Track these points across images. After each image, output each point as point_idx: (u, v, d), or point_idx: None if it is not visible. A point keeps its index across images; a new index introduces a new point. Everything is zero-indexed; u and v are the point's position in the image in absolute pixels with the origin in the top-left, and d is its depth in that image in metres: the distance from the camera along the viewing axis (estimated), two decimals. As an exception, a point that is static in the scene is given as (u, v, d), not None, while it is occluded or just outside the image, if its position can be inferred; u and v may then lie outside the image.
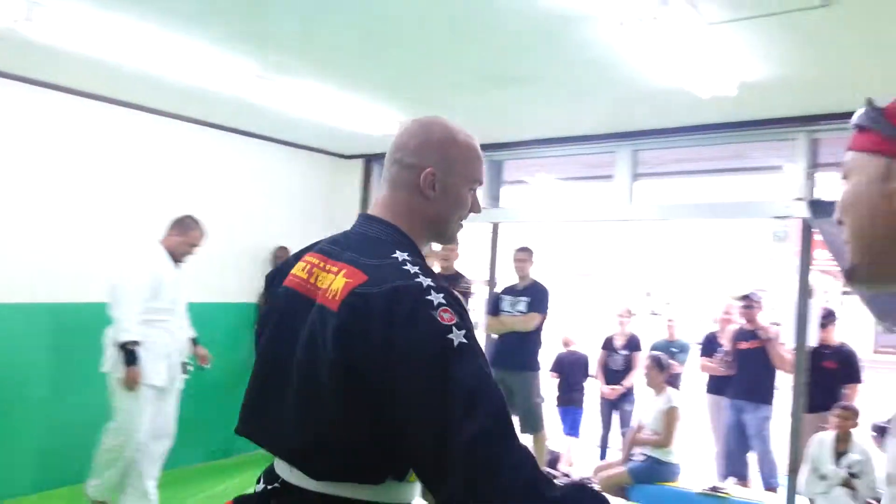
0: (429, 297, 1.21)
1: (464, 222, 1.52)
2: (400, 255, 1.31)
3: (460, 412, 1.10)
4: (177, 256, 4.19)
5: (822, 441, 4.55)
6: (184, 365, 4.26)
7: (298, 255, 1.48)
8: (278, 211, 6.08)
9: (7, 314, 4.35)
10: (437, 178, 1.42)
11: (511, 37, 3.39)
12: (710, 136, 5.02)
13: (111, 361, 3.92)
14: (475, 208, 1.51)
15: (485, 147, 5.65)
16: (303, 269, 1.40)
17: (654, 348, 6.37)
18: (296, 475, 1.30)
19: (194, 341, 4.46)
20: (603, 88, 4.08)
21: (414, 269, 1.26)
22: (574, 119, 4.92)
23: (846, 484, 4.34)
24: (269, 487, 1.37)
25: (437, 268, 5.36)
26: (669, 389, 5.32)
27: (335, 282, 1.28)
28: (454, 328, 1.18)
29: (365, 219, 1.45)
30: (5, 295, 4.33)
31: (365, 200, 6.42)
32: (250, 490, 1.44)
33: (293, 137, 5.96)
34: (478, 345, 1.21)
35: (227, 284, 5.64)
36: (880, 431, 4.63)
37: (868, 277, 0.93)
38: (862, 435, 4.62)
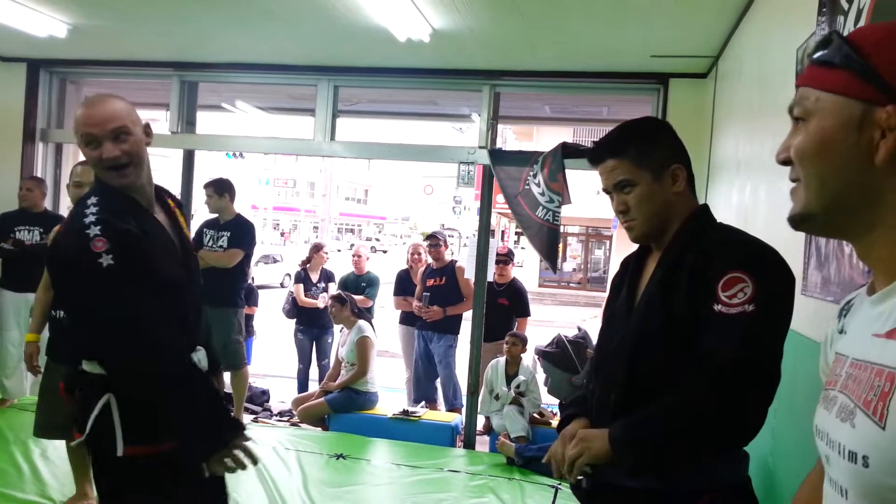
0: (87, 232, 1.72)
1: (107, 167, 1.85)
2: (91, 200, 1.81)
3: (102, 310, 1.75)
4: None
5: (496, 365, 5.10)
6: None
7: None
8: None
9: None
10: None
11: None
12: (406, 80, 5.25)
13: None
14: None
15: (176, 65, 5.30)
16: None
17: (342, 282, 6.59)
18: None
19: None
20: (305, 18, 4.00)
21: (91, 210, 1.77)
22: (275, 47, 4.77)
23: (515, 401, 4.93)
24: None
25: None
26: (360, 322, 5.54)
27: None
28: (104, 254, 1.71)
29: None
30: None
31: (30, 113, 5.57)
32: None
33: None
34: (125, 265, 1.73)
35: None
36: (542, 354, 5.34)
37: (823, 227, 0.88)
38: (528, 358, 5.28)
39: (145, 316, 1.76)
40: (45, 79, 5.67)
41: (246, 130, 9.59)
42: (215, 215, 5.08)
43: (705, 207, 1.67)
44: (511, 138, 20.21)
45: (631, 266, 1.74)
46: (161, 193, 2.07)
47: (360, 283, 6.53)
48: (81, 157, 5.47)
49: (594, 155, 1.68)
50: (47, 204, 5.28)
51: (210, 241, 4.96)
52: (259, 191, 37.64)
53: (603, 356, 1.72)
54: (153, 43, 4.91)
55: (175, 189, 5.49)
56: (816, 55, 0.85)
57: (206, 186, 5.03)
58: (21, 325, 4.91)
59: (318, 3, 3.72)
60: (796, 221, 0.87)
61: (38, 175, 5.51)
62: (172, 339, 1.84)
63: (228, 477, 3.99)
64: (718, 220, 1.67)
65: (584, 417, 1.70)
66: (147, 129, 1.95)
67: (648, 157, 1.61)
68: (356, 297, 6.31)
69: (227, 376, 5.27)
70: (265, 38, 4.59)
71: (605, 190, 1.68)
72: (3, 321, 4.97)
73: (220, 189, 5.03)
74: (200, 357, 2.06)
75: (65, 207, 5.28)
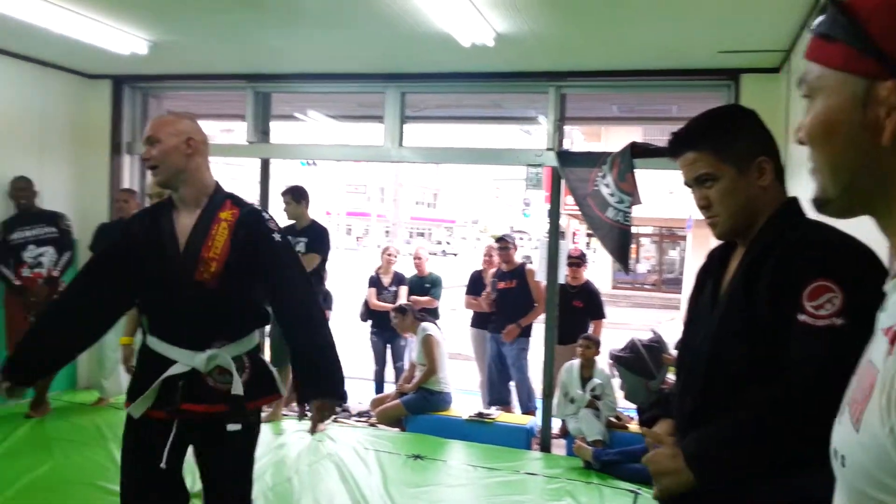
0: None
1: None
2: None
3: None
4: None
5: (570, 368, 5.06)
6: None
7: None
8: (12, 136, 5.30)
9: None
10: None
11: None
12: (472, 84, 5.29)
13: None
14: None
15: (250, 77, 5.47)
16: None
17: (408, 285, 6.65)
18: None
19: None
20: (371, 26, 4.08)
21: None
22: (344, 56, 4.88)
23: (591, 405, 4.90)
24: None
25: None
26: (423, 323, 5.62)
27: None
28: None
29: None
30: None
31: (116, 128, 5.88)
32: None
33: (26, 49, 5.17)
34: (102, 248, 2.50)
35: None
36: (616, 359, 5.24)
37: (842, 211, 0.80)
38: (603, 362, 5.20)
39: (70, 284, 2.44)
40: (129, 94, 5.97)
41: (317, 138, 9.81)
42: (292, 222, 5.22)
43: (793, 201, 1.54)
44: (579, 139, 19.99)
45: (716, 261, 1.64)
46: (223, 201, 2.25)
47: (424, 285, 6.59)
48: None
49: (672, 147, 1.59)
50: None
51: (288, 247, 5.09)
52: (332, 197, 38.37)
53: (684, 357, 1.65)
54: (228, 56, 5.10)
55: (253, 197, 5.71)
56: (815, 25, 0.77)
57: (284, 194, 5.19)
58: (116, 329, 5.15)
59: (385, 13, 3.80)
60: (816, 206, 0.82)
61: (126, 186, 5.80)
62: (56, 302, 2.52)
63: (311, 474, 4.09)
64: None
65: (669, 418, 1.65)
66: (189, 141, 2.19)
67: (731, 149, 1.50)
68: (421, 298, 6.40)
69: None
70: (334, 49, 4.71)
71: (686, 183, 1.59)
72: None
73: (297, 196, 5.18)
74: (202, 359, 2.14)
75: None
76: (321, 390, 2.22)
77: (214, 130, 23.28)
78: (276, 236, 2.27)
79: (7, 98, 5.26)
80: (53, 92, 5.63)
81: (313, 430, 2.24)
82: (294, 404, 6.00)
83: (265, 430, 4.92)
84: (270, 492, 3.87)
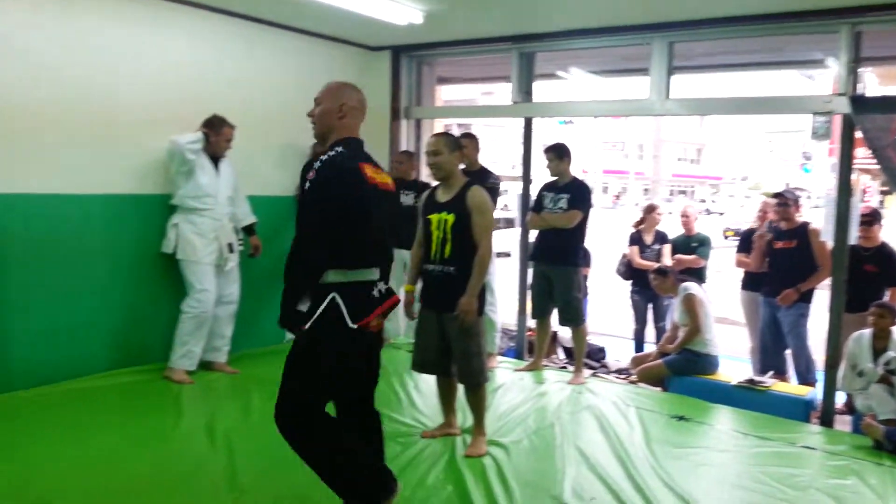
0: None
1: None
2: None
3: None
4: (216, 152, 4.82)
5: (860, 339, 4.54)
6: (230, 245, 4.92)
7: (354, 162, 2.72)
8: (309, 105, 5.99)
9: (62, 204, 4.49)
10: None
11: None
12: (748, 28, 4.88)
13: (173, 243, 4.76)
14: None
15: (514, 38, 5.66)
16: (372, 171, 2.75)
17: (673, 244, 6.46)
18: None
19: (252, 229, 5.18)
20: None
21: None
22: (606, 7, 4.79)
23: (884, 380, 4.37)
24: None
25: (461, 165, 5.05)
26: (684, 283, 5.45)
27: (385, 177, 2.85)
28: None
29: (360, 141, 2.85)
30: (61, 187, 4.47)
31: (395, 94, 6.34)
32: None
33: (317, 27, 5.77)
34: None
35: (267, 179, 5.66)
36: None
37: None
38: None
39: None
40: (405, 63, 6.41)
41: (574, 96, 9.76)
42: (554, 178, 5.29)
43: None
44: (873, 82, 17.52)
45: None
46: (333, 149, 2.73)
47: (691, 244, 6.35)
48: (436, 130, 6.17)
49: None
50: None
51: (550, 204, 5.20)
52: (589, 154, 37.98)
53: None
54: (495, 20, 5.26)
55: (516, 155, 5.81)
56: None
57: (547, 151, 5.27)
58: (397, 277, 5.68)
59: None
60: None
61: (404, 149, 6.29)
62: None
63: (571, 423, 4.22)
64: None
65: None
66: (342, 107, 2.83)
67: None
68: (687, 257, 6.19)
69: (568, 331, 5.59)
70: (600, 2, 4.63)
71: None
72: None
73: (560, 153, 5.24)
74: None
75: (424, 175, 5.97)
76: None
77: (476, 93, 24.08)
78: (311, 176, 2.65)
79: (304, 71, 5.91)
80: (342, 64, 6.21)
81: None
82: (554, 356, 6.19)
83: (527, 378, 5.18)
84: (535, 435, 4.04)
